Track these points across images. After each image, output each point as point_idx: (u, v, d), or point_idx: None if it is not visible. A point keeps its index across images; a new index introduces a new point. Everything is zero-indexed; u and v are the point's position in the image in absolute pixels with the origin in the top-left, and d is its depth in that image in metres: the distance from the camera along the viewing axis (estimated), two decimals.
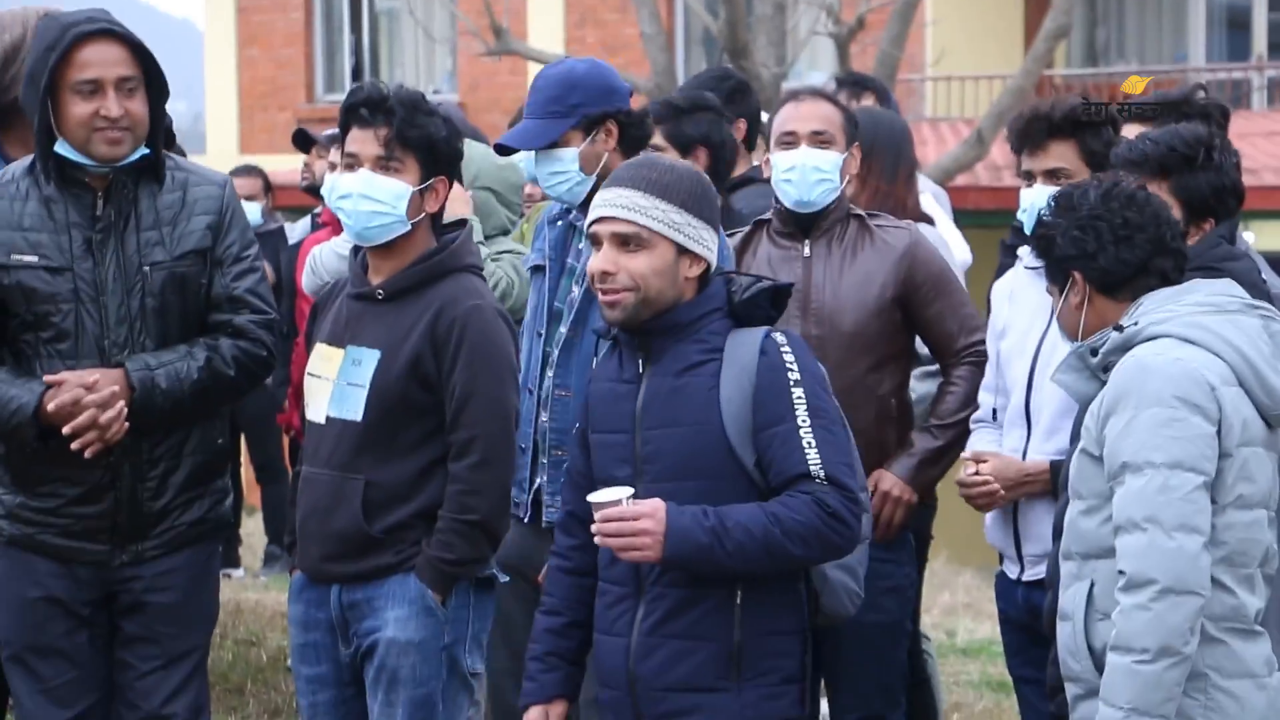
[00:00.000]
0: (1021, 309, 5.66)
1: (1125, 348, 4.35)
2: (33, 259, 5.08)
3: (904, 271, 5.75)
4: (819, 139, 5.80)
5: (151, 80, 5.11)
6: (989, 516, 5.68)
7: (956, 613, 10.85)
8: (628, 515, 4.35)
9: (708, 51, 22.34)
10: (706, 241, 4.54)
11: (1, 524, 5.23)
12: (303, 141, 9.69)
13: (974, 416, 5.73)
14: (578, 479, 4.69)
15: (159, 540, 5.17)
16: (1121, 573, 4.18)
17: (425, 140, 5.02)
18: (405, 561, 4.96)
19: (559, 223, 5.72)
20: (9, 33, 5.55)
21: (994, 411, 5.69)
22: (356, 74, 25.93)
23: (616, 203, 4.51)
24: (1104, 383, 4.38)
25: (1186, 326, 4.31)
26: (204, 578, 5.28)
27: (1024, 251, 5.71)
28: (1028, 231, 5.57)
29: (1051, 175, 5.53)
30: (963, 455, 5.58)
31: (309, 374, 5.12)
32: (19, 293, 5.09)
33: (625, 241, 4.49)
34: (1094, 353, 4.41)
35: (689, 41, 23.28)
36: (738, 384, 4.44)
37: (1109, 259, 4.43)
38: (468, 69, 23.82)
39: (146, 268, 5.10)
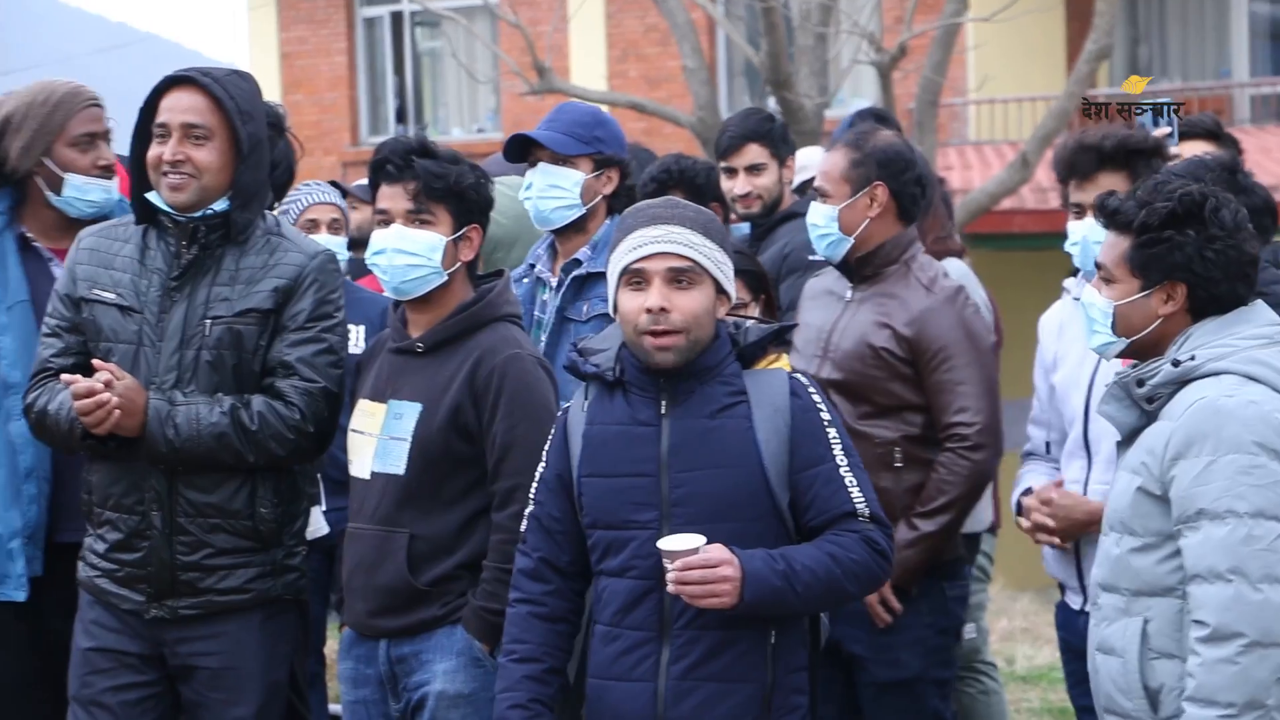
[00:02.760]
0: (1073, 341, 5.61)
1: (1179, 382, 4.27)
2: (110, 296, 5.18)
3: (912, 333, 5.66)
4: (819, 194, 5.79)
5: (240, 139, 5.14)
6: (1048, 548, 5.65)
7: (1015, 638, 10.78)
8: (711, 562, 4.32)
9: (750, 84, 22.35)
10: (733, 282, 4.58)
11: (79, 564, 5.29)
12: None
13: (1025, 449, 5.69)
14: (551, 525, 4.62)
15: (196, 601, 5.15)
16: (1201, 623, 4.12)
17: (453, 190, 5.06)
18: (452, 613, 4.96)
19: (525, 280, 5.91)
20: (4, 108, 5.62)
21: (1047, 445, 5.66)
22: (401, 116, 26.03)
23: (671, 239, 4.48)
24: (1145, 412, 4.31)
25: (1248, 363, 4.24)
26: (255, 647, 5.19)
27: (1070, 283, 5.68)
28: (1078, 264, 5.55)
29: (1077, 208, 5.50)
30: (1025, 499, 5.47)
31: (352, 430, 5.13)
32: (92, 327, 5.20)
33: (678, 278, 4.46)
34: (1139, 383, 4.33)
35: (731, 74, 23.27)
36: (773, 425, 4.45)
37: (1227, 290, 4.33)
38: (511, 108, 23.86)
39: (208, 320, 5.12)
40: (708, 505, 4.43)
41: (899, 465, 5.64)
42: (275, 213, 5.46)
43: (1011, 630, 10.88)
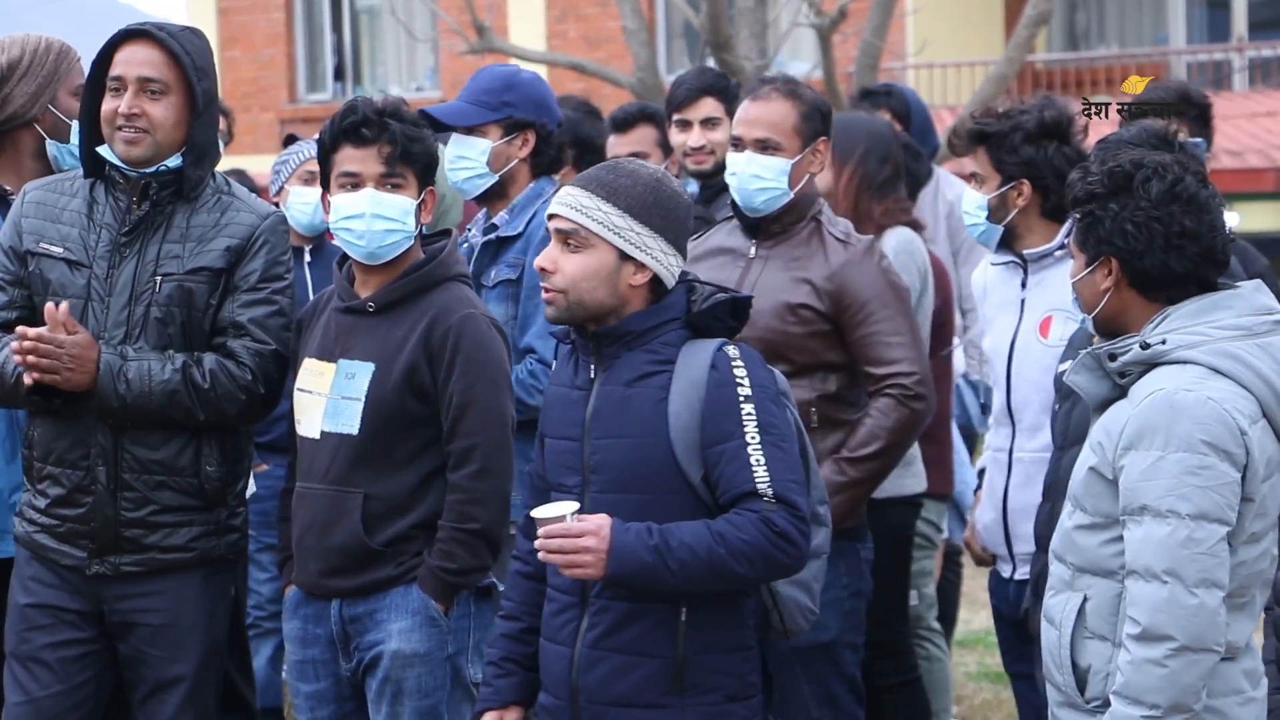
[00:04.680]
0: (997, 308, 5.69)
1: (1148, 363, 4.19)
2: (58, 250, 5.14)
3: (834, 287, 5.53)
4: (763, 146, 5.60)
5: (195, 96, 5.11)
6: (981, 518, 5.68)
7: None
8: (571, 532, 4.29)
9: (690, 45, 22.30)
10: (653, 250, 4.44)
11: (15, 520, 5.25)
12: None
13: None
14: (537, 482, 4.63)
15: (139, 558, 5.12)
16: (1134, 620, 4.08)
17: (424, 154, 5.05)
18: (407, 573, 4.96)
19: (464, 245, 5.89)
20: (6, 54, 5.55)
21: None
22: (339, 73, 25.90)
23: (563, 200, 4.46)
24: (1117, 385, 4.25)
25: (1217, 355, 4.14)
26: (196, 605, 5.18)
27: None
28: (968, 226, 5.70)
29: (970, 177, 5.65)
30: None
31: (298, 389, 5.10)
32: (39, 281, 5.16)
33: (566, 239, 4.44)
34: (1112, 357, 4.24)
35: (670, 35, 23.25)
36: (686, 398, 4.35)
37: (1155, 263, 4.23)
38: (449, 67, 23.78)
39: (158, 277, 5.10)
40: (619, 474, 4.39)
41: (815, 426, 5.50)
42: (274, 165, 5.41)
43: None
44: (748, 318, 4.54)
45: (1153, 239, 4.23)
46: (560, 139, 5.99)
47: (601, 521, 4.30)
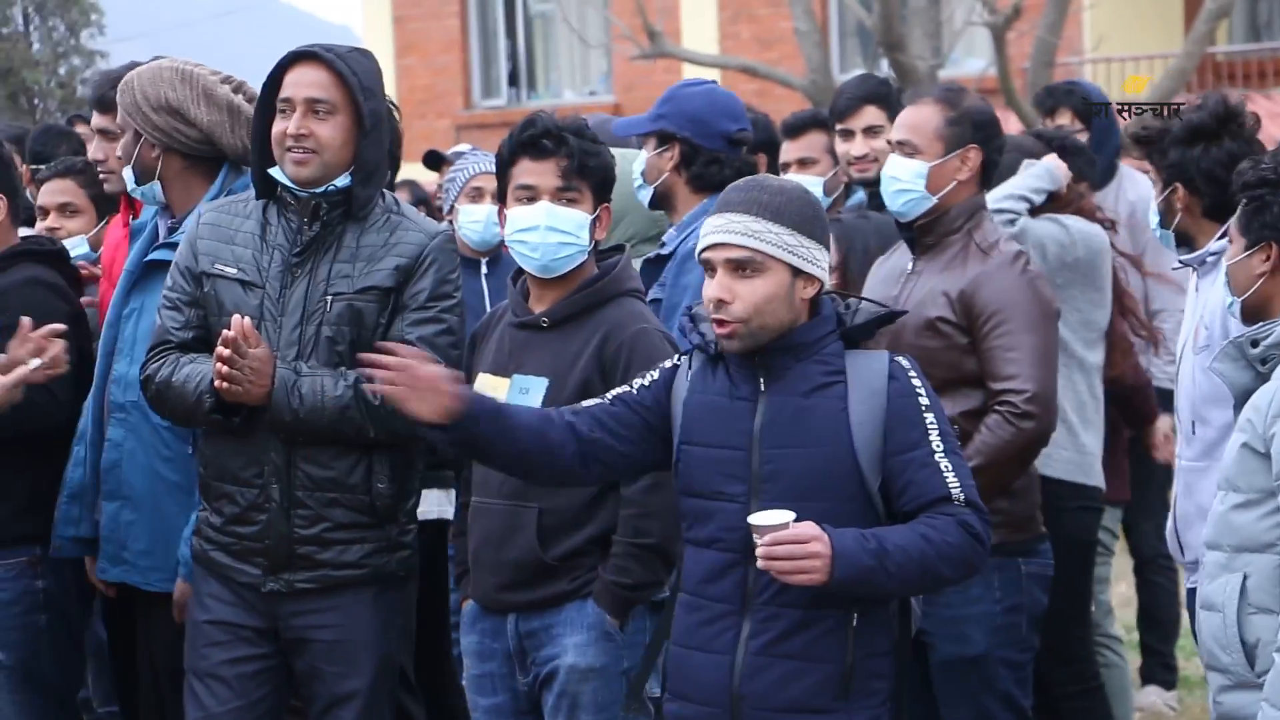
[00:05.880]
0: (1186, 311, 5.65)
1: None
2: (232, 271, 5.22)
3: (967, 297, 5.47)
4: (904, 149, 5.60)
5: (362, 115, 5.17)
6: (1168, 524, 5.62)
7: (1132, 605, 10.71)
8: (800, 538, 4.29)
9: (863, 46, 22.25)
10: (820, 261, 4.46)
11: (193, 538, 5.34)
12: (434, 162, 8.90)
13: None
14: (602, 414, 4.55)
15: (312, 575, 5.18)
16: None
17: (601, 169, 5.08)
18: (582, 588, 4.99)
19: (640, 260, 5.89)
20: (171, 89, 5.61)
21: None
22: (513, 79, 26.07)
23: (729, 228, 4.43)
24: (1260, 374, 4.33)
25: None
26: (369, 621, 5.23)
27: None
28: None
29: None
30: None
31: None
32: (214, 302, 5.24)
33: (740, 267, 4.42)
34: (1254, 344, 4.34)
35: (844, 36, 23.18)
36: (868, 408, 4.40)
37: None
38: (623, 71, 23.86)
39: (329, 297, 5.16)
40: (796, 483, 4.41)
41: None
42: (442, 181, 5.43)
43: (1130, 597, 10.83)
44: (874, 332, 4.56)
45: None
46: (715, 156, 5.92)
47: (817, 528, 4.31)
